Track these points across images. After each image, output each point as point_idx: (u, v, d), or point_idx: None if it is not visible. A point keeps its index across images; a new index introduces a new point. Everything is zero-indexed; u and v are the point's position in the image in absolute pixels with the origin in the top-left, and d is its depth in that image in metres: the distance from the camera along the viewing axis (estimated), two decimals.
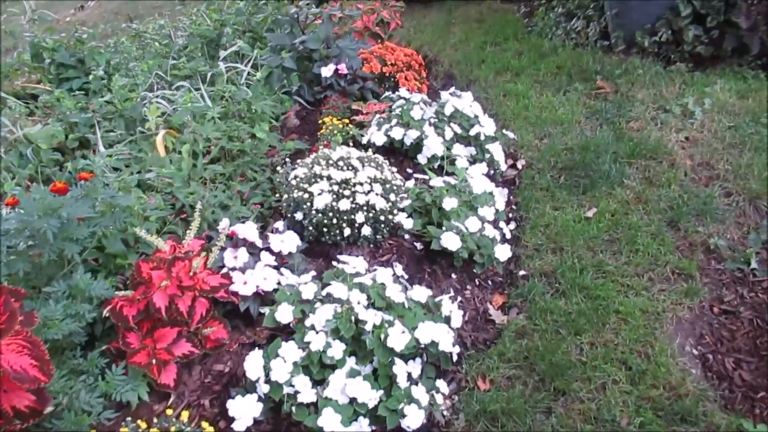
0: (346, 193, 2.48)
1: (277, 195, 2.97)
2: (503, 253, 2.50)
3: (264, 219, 2.85)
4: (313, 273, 2.18)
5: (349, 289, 2.07)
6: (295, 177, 2.59)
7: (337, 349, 1.91)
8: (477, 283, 2.54)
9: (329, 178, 2.52)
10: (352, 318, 1.96)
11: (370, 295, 2.07)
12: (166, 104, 3.45)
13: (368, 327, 1.93)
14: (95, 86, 3.68)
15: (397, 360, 1.91)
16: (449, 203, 2.53)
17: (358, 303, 2.00)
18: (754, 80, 3.67)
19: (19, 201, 2.16)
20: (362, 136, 3.26)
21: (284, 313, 2.00)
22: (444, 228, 2.49)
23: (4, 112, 3.34)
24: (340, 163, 2.58)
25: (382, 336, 1.90)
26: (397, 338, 1.89)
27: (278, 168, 3.11)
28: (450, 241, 2.40)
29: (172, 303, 1.88)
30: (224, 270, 2.22)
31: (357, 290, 2.05)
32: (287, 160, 2.96)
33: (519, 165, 3.26)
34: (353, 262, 2.23)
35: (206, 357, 2.11)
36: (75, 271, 2.09)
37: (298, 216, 2.54)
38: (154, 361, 1.91)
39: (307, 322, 1.97)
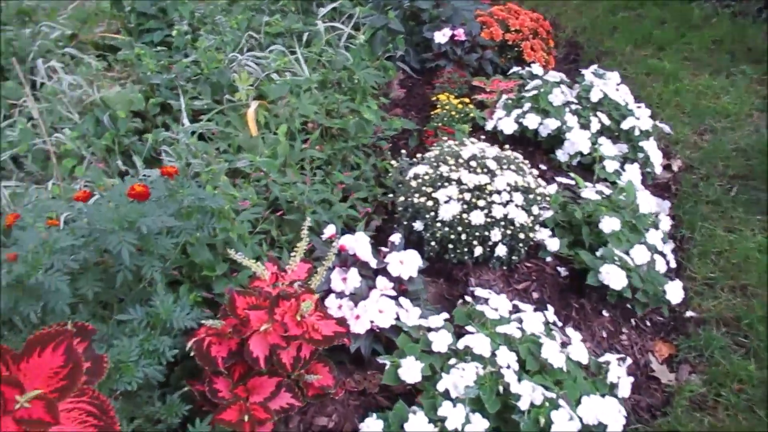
0: (480, 203, 1.98)
1: (383, 189, 2.51)
2: (675, 292, 1.97)
3: (368, 216, 2.40)
4: (445, 316, 1.72)
5: (491, 340, 1.61)
6: (416, 177, 2.11)
7: (478, 426, 1.46)
8: (634, 324, 2.03)
9: (459, 182, 2.03)
10: (500, 387, 1.50)
11: (520, 352, 1.60)
12: (256, 67, 3.01)
13: (522, 404, 1.46)
14: (178, 42, 3.26)
15: None
16: (609, 224, 2.00)
17: (508, 367, 1.54)
18: None
19: (90, 194, 1.78)
20: (484, 119, 2.74)
21: (411, 371, 1.56)
22: (600, 255, 1.98)
23: (79, 70, 2.98)
24: (473, 164, 2.07)
25: (542, 420, 1.44)
26: (563, 424, 1.42)
27: (386, 153, 2.65)
28: (614, 277, 1.88)
29: (273, 354, 1.46)
30: (331, 297, 1.79)
31: (504, 348, 1.58)
32: (402, 152, 2.46)
33: (675, 166, 2.67)
34: (493, 302, 1.75)
35: (307, 406, 1.71)
36: (153, 289, 1.70)
37: (417, 226, 2.07)
38: (246, 418, 1.52)
39: (440, 386, 1.52)
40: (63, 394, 1.26)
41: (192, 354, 1.57)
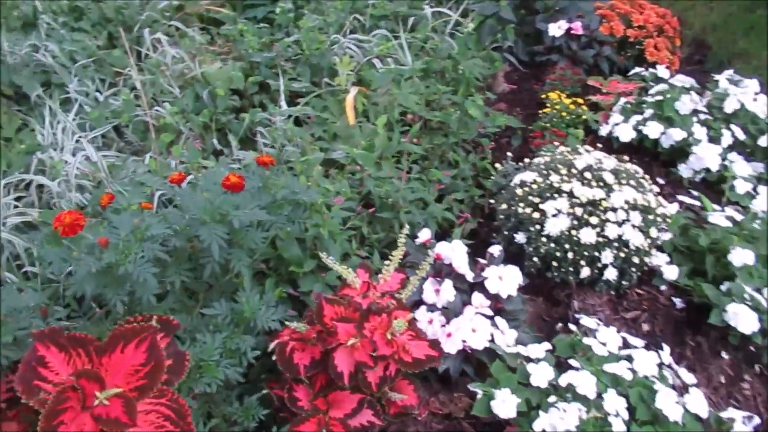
0: (593, 220, 1.79)
1: (481, 191, 2.35)
2: None
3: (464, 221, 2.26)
4: (546, 346, 1.56)
5: (597, 379, 1.44)
6: (522, 184, 1.94)
7: None
8: (758, 371, 1.80)
9: (571, 195, 1.85)
10: None
11: (630, 398, 1.43)
12: (357, 50, 2.90)
13: None
14: (281, 20, 3.19)
15: None
16: (741, 256, 1.76)
17: (616, 415, 1.37)
18: None
19: (184, 177, 1.73)
20: (597, 123, 2.51)
21: (505, 405, 1.42)
22: (727, 290, 1.75)
23: (183, 43, 2.97)
24: (587, 175, 1.88)
25: None
26: None
27: (487, 151, 2.48)
28: (743, 319, 1.66)
29: (358, 371, 1.36)
30: (422, 309, 1.67)
31: (613, 391, 1.41)
32: (508, 154, 2.28)
33: None
34: (602, 335, 1.57)
35: (387, 424, 1.60)
36: (240, 281, 1.64)
37: (519, 238, 1.91)
38: None
39: (537, 425, 1.37)
40: (142, 394, 1.21)
41: (273, 357, 1.49)
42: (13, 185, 2.37)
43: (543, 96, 2.68)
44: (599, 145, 2.07)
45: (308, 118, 2.54)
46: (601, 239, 1.79)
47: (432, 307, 1.69)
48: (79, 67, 2.84)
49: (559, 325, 1.78)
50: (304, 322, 1.55)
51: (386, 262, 1.52)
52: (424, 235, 1.87)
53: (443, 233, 2.18)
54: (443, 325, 1.63)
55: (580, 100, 2.58)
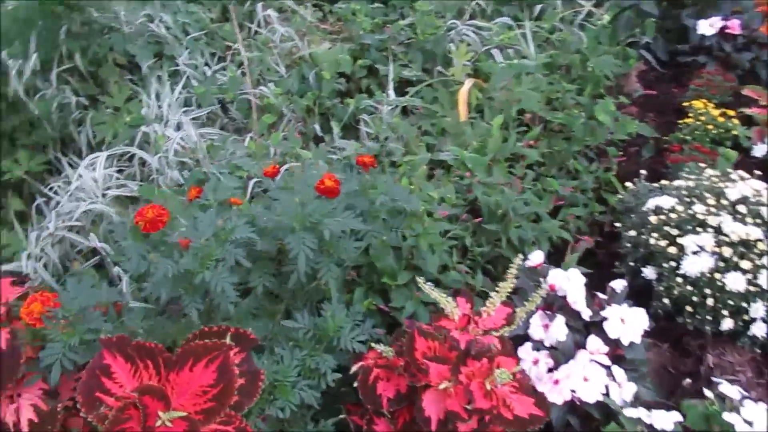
0: (744, 264, 1.50)
1: (602, 207, 2.08)
2: None
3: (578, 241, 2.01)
4: (676, 418, 1.30)
5: None
6: (657, 211, 1.67)
7: None
8: None
9: (718, 231, 1.56)
10: None
11: None
12: (475, 38, 2.67)
13: None
14: (396, 1, 3.01)
15: None
16: None
17: None
18: None
19: (278, 170, 1.59)
20: (749, 139, 2.16)
21: None
22: None
23: (293, 21, 2.86)
24: (741, 209, 1.58)
25: None
26: None
27: (612, 162, 2.20)
28: None
29: (449, 420, 1.18)
30: (527, 346, 1.46)
31: None
32: (642, 172, 1.99)
33: None
34: (748, 412, 1.29)
35: None
36: (327, 290, 1.49)
37: (647, 273, 1.64)
38: None
39: None
40: (208, 418, 1.09)
41: (355, 382, 1.34)
42: (117, 157, 2.36)
43: (685, 103, 2.34)
44: (757, 172, 1.74)
45: (416, 109, 2.36)
46: (752, 288, 1.49)
47: (538, 345, 1.47)
48: (191, 40, 2.79)
49: (687, 381, 1.52)
50: (392, 345, 1.39)
51: (492, 294, 1.32)
52: (536, 257, 1.64)
53: (554, 251, 1.95)
54: (550, 369, 1.41)
55: (730, 112, 2.22)
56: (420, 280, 1.30)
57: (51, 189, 2.27)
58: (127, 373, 1.09)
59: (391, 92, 2.40)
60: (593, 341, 1.44)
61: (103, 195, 2.20)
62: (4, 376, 1.07)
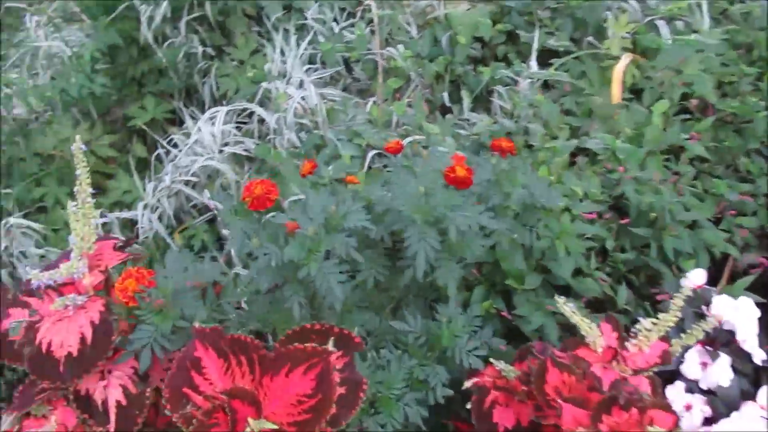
0: None
1: None
2: None
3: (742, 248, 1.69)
4: None
5: None
6: None
7: None
8: None
9: None
10: None
11: None
12: (636, 6, 2.32)
13: None
14: None
15: None
16: None
17: None
18: None
19: (402, 146, 1.41)
20: None
21: None
22: None
23: None
24: None
25: None
26: None
27: None
28: None
29: None
30: (678, 385, 1.21)
31: None
32: None
33: None
34: None
35: None
36: (444, 288, 1.31)
37: None
38: None
39: None
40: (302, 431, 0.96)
41: (468, 403, 1.17)
42: (237, 112, 2.29)
43: None
44: None
45: (558, 84, 2.08)
46: None
47: (692, 385, 1.22)
48: None
49: None
50: (515, 363, 1.20)
51: (647, 328, 1.08)
52: (696, 277, 1.37)
53: (711, 268, 1.65)
54: (707, 420, 1.16)
55: None
56: (560, 300, 1.09)
57: (171, 141, 2.24)
58: (219, 369, 0.98)
59: (534, 63, 2.13)
60: (766, 393, 1.17)
61: (220, 151, 2.14)
62: (95, 353, 0.99)
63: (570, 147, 1.62)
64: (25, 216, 2.25)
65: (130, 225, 2.18)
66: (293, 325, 1.08)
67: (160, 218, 2.10)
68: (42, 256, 2.11)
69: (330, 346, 0.99)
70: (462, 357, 1.20)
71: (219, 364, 0.97)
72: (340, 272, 1.03)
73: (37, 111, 2.52)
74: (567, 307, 1.06)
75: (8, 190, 2.34)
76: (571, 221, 1.40)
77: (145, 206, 2.09)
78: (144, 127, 2.32)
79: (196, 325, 0.97)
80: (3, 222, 2.18)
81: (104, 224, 2.16)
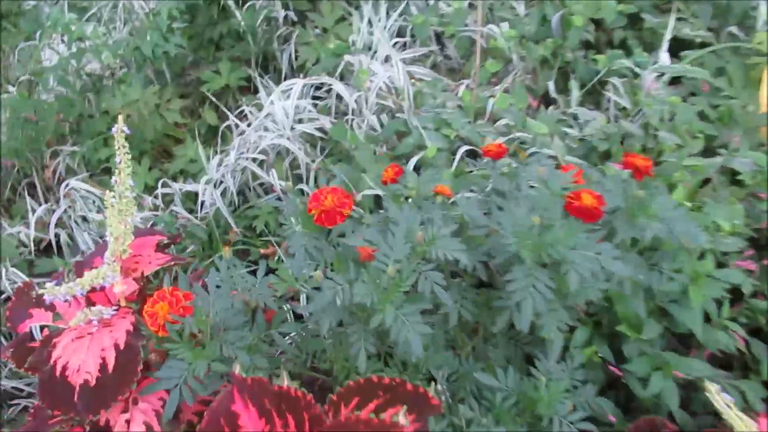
0: None
1: None
2: None
3: None
4: None
5: None
6: None
7: None
8: None
9: None
10: None
11: None
12: None
13: None
14: None
15: None
16: None
17: None
18: None
19: (505, 151, 1.16)
20: None
21: None
22: None
23: None
24: None
25: None
26: None
27: None
28: None
29: None
30: None
31: None
32: None
33: None
34: None
35: None
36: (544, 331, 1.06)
37: None
38: None
39: None
40: None
41: None
42: (314, 86, 2.08)
43: None
44: None
45: (690, 81, 1.75)
46: None
47: None
48: None
49: None
50: None
51: None
52: None
53: None
54: None
55: None
56: (712, 387, 0.82)
57: (242, 113, 2.07)
58: (258, 430, 0.77)
59: (664, 55, 1.80)
60: None
61: (292, 128, 1.94)
62: (115, 385, 0.81)
63: (714, 166, 1.31)
64: (90, 176, 2.16)
65: (193, 197, 2.04)
66: (356, 372, 0.86)
67: (223, 194, 1.94)
68: (102, 224, 2.00)
69: (402, 418, 0.76)
70: (561, 426, 0.95)
71: (260, 425, 0.77)
72: (423, 329, 0.79)
73: (112, 67, 2.40)
74: (721, 397, 0.79)
75: (75, 148, 2.25)
76: (717, 265, 1.11)
77: (208, 181, 1.93)
78: (213, 98, 2.15)
79: (237, 370, 0.77)
80: (64, 183, 2.09)
81: (166, 195, 2.03)
